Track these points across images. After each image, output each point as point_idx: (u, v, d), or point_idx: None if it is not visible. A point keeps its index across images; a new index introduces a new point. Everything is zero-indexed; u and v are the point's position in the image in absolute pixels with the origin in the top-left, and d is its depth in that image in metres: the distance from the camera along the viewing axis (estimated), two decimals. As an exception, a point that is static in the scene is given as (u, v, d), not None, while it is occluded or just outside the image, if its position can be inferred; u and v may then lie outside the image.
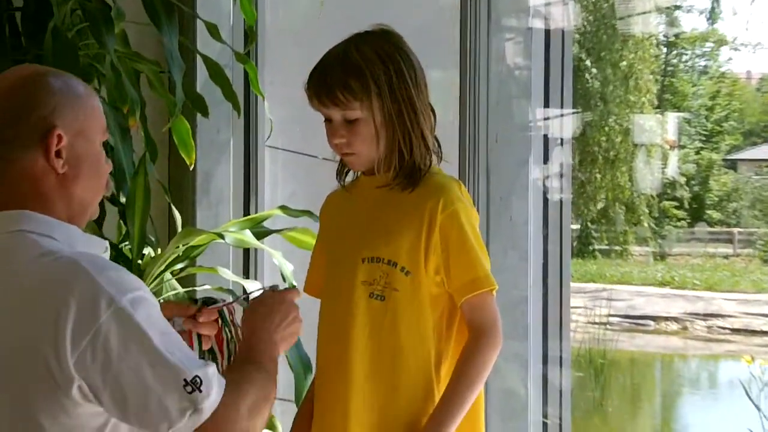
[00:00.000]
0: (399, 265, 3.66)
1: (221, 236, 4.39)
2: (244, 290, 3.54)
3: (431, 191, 3.67)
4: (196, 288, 4.56)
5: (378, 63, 3.64)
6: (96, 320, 2.60)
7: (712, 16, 23.69)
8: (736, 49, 35.19)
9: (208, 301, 3.21)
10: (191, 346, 3.12)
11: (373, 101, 3.62)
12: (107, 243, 2.93)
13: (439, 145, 3.77)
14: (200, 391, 2.70)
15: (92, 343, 2.60)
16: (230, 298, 3.30)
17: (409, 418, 3.72)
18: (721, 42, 33.31)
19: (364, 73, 3.62)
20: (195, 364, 2.73)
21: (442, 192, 3.65)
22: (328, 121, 3.70)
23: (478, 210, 4.61)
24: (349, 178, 3.85)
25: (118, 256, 4.29)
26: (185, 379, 2.68)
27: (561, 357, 5.15)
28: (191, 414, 2.70)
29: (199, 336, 3.18)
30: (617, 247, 25.88)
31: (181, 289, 4.41)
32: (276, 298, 3.19)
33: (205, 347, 3.20)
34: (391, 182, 3.70)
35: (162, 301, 3.85)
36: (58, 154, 2.78)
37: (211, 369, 2.74)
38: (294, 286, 3.24)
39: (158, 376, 2.66)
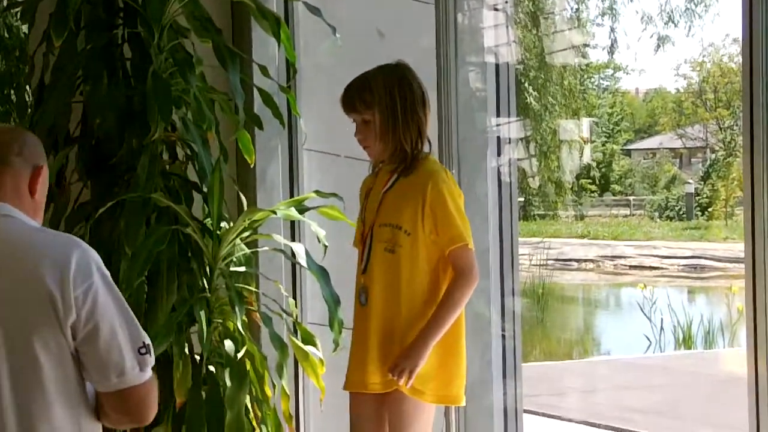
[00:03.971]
0: (402, 228, 3.72)
1: (274, 212, 4.36)
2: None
3: (425, 176, 3.81)
4: (258, 249, 4.52)
5: (382, 86, 3.74)
6: (90, 276, 2.54)
7: (611, 50, 23.66)
8: (627, 73, 35.17)
9: None
10: None
11: (375, 113, 3.71)
12: None
13: (430, 143, 3.91)
14: (150, 355, 2.60)
15: (85, 292, 2.52)
16: None
17: (408, 332, 3.75)
18: (617, 68, 33.25)
19: (372, 91, 3.72)
20: (145, 333, 2.64)
21: (431, 176, 3.77)
22: (355, 122, 3.89)
23: (449, 150, 4.60)
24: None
25: (203, 228, 4.26)
26: (144, 342, 2.59)
27: (513, 289, 5.13)
28: (138, 371, 2.57)
29: None
30: (550, 212, 25.88)
31: (247, 250, 4.37)
32: None
33: None
34: (397, 169, 3.82)
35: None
36: (36, 183, 2.73)
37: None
38: None
39: (126, 333, 2.57)
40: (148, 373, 2.59)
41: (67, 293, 2.51)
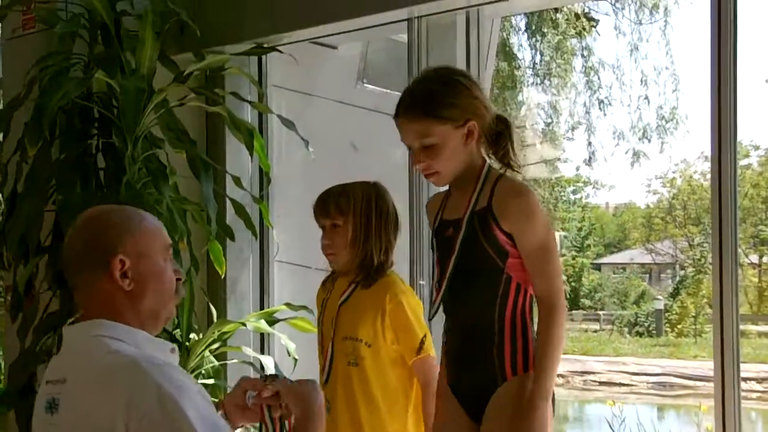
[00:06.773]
0: (363, 340, 3.72)
1: (244, 324, 4.38)
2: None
3: (383, 287, 3.76)
4: (227, 361, 4.52)
5: (360, 200, 3.77)
6: (146, 405, 2.28)
7: (590, 164, 23.86)
8: (597, 189, 35.47)
9: (270, 377, 2.72)
10: (262, 416, 2.66)
11: (349, 221, 3.73)
12: (174, 345, 2.57)
13: (392, 263, 3.86)
14: None
15: (140, 422, 2.27)
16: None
17: None
18: (586, 183, 33.56)
19: (349, 198, 3.75)
20: None
21: (389, 287, 3.78)
22: (323, 228, 3.83)
23: (420, 265, 4.61)
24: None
25: (172, 339, 4.26)
26: None
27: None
28: None
29: (269, 407, 2.66)
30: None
31: (216, 363, 4.38)
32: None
33: (275, 414, 2.66)
34: (356, 280, 3.80)
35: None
36: (124, 275, 2.45)
37: None
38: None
39: None
40: None
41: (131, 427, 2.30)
